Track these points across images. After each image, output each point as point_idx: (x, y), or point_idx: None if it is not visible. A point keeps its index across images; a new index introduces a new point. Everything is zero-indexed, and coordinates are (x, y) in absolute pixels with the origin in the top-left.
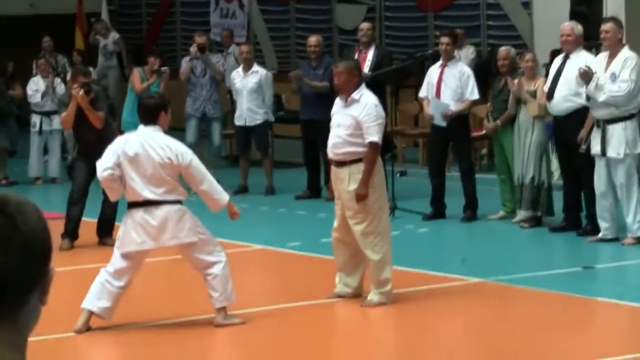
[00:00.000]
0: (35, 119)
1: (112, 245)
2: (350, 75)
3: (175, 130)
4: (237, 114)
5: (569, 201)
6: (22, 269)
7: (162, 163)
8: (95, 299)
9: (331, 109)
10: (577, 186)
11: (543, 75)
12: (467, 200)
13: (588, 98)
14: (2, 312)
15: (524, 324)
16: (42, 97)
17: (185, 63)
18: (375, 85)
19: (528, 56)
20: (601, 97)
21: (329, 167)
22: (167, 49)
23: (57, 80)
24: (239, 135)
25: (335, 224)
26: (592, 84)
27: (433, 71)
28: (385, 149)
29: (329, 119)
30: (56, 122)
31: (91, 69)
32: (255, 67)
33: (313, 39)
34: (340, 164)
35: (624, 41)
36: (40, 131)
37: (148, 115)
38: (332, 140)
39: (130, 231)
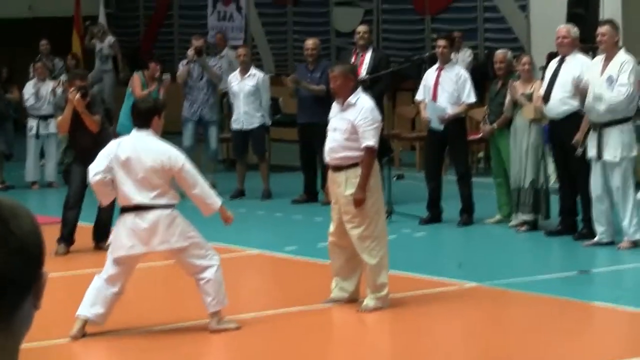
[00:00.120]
0: (32, 122)
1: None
2: (346, 79)
3: (172, 134)
4: (234, 118)
5: (565, 205)
6: (18, 271)
7: (153, 167)
8: (89, 306)
9: (328, 112)
10: (573, 189)
11: (540, 78)
12: (464, 204)
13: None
14: None
15: (520, 328)
16: (37, 100)
17: (182, 66)
18: (373, 88)
19: (524, 59)
20: (602, 107)
21: (326, 171)
22: (165, 52)
23: (54, 83)
24: (236, 139)
25: (332, 228)
26: (589, 97)
27: (430, 74)
28: (382, 153)
29: (326, 123)
30: (53, 126)
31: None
32: (253, 70)
33: (310, 42)
34: (337, 168)
35: (620, 44)
36: (37, 135)
37: (141, 119)
38: (328, 144)
39: (121, 236)
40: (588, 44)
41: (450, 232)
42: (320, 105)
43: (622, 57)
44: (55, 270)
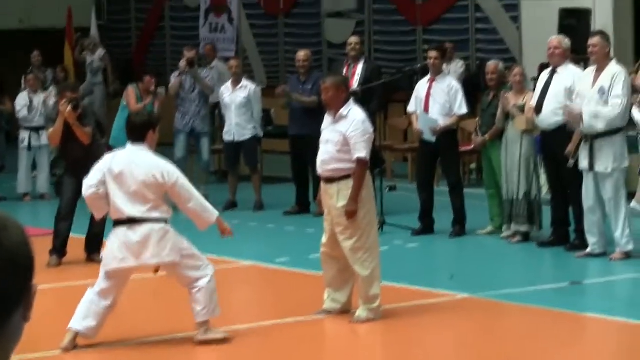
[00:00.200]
0: (24, 134)
1: (100, 262)
2: (338, 91)
3: (164, 146)
4: (225, 129)
5: (557, 216)
6: (7, 282)
7: (146, 181)
8: (81, 319)
9: (320, 124)
10: (565, 201)
11: (531, 89)
12: (456, 215)
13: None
14: None
15: (512, 339)
16: (30, 111)
17: (174, 78)
18: (365, 99)
19: (516, 70)
20: (601, 125)
21: (318, 183)
22: (157, 64)
23: (45, 95)
24: (228, 151)
25: (324, 239)
26: (586, 117)
27: (421, 86)
28: (375, 164)
29: (317, 134)
30: (45, 137)
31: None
32: (244, 82)
33: (302, 54)
34: (330, 180)
35: (611, 55)
36: (29, 147)
37: (136, 133)
38: (321, 156)
39: (113, 249)
40: (580, 55)
41: (442, 243)
42: (311, 117)
43: (614, 68)
44: (47, 282)
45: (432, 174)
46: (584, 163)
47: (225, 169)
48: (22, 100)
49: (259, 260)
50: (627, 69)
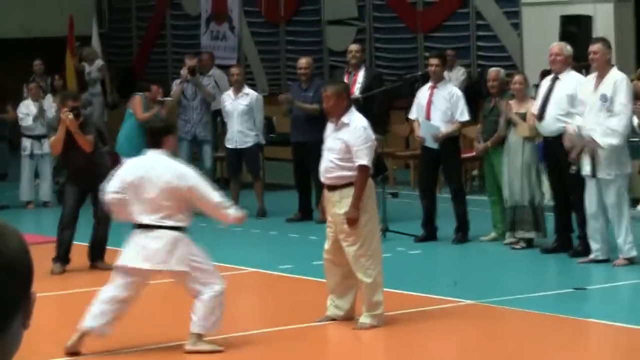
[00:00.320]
0: (26, 142)
1: (104, 268)
2: (339, 99)
3: None
4: (227, 137)
5: (560, 222)
6: (6, 289)
7: (164, 187)
8: (91, 318)
9: (322, 131)
10: (568, 207)
11: (533, 96)
12: (458, 222)
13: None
14: None
15: (516, 345)
16: (33, 120)
17: (176, 86)
18: (366, 107)
19: (517, 78)
20: (617, 140)
21: (321, 189)
22: (158, 72)
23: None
24: (230, 158)
25: (327, 245)
26: (597, 136)
27: (422, 93)
28: (377, 171)
29: (319, 141)
30: (47, 146)
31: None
32: (246, 90)
33: (303, 61)
34: (332, 187)
35: (613, 62)
36: (32, 155)
37: (154, 139)
38: (323, 164)
39: (127, 248)
40: (581, 62)
41: (445, 250)
42: (313, 124)
43: (615, 75)
44: (51, 290)
45: (434, 181)
46: (586, 169)
47: (227, 176)
48: (24, 108)
49: (262, 267)
50: (629, 75)
